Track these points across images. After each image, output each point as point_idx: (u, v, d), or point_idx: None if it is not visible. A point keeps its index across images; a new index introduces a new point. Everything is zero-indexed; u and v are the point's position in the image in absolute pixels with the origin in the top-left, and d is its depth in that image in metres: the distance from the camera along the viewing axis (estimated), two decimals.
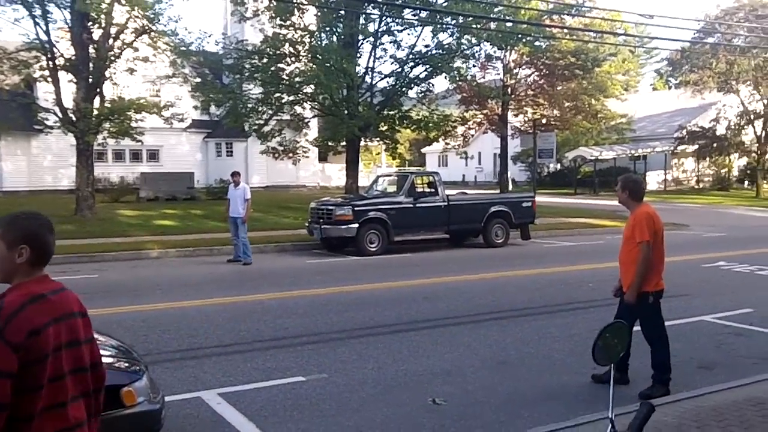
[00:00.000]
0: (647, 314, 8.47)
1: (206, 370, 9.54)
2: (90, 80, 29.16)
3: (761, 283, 16.63)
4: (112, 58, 29.43)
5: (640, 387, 8.35)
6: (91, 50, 29.20)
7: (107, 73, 29.68)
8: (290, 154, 38.69)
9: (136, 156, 50.90)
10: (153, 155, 51.50)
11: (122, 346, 6.74)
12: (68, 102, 29.80)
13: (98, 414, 3.40)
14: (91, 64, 29.24)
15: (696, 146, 56.99)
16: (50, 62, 29.21)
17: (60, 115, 29.39)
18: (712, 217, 36.57)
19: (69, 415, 3.14)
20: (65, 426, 3.15)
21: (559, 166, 65.12)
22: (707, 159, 60.88)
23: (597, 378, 8.55)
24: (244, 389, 8.67)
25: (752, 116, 53.49)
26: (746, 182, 60.80)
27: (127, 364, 6.24)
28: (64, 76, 29.78)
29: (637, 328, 8.41)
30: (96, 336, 6.60)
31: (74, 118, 29.21)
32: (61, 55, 29.54)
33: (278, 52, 32.95)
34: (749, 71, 51.61)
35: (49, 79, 29.48)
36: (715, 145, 55.12)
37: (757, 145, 54.29)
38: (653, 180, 60.78)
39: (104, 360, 6.01)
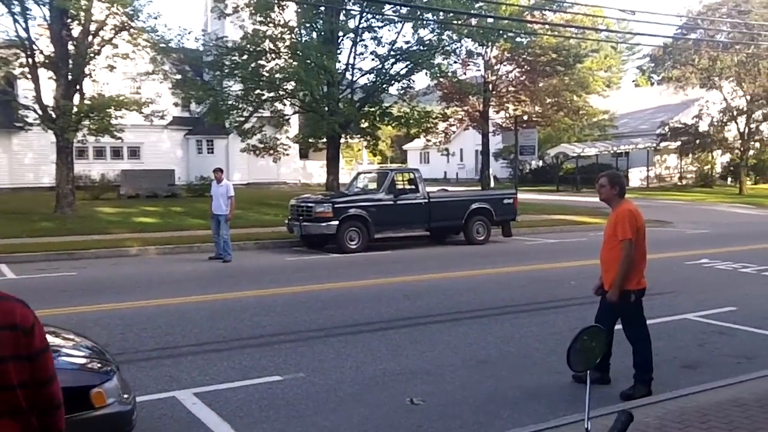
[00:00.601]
0: (629, 313, 8.38)
1: (182, 369, 9.40)
2: (69, 77, 29.01)
3: (744, 280, 16.59)
4: (92, 54, 29.31)
5: (621, 386, 8.26)
6: (70, 47, 29.11)
7: (87, 70, 29.53)
8: (271, 151, 38.60)
9: (116, 153, 50.68)
10: (134, 152, 51.26)
11: (95, 346, 6.61)
12: (48, 99, 29.69)
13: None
14: (70, 61, 29.12)
15: (678, 143, 57.15)
16: (29, 59, 29.09)
17: (40, 112, 29.23)
18: (695, 214, 36.66)
19: None
20: None
21: (541, 162, 65.07)
22: (690, 156, 61.15)
23: (578, 378, 8.42)
24: (219, 389, 8.53)
25: (735, 112, 53.57)
26: (729, 179, 60.99)
27: (99, 365, 6.10)
28: (43, 73, 29.66)
29: (618, 326, 8.35)
30: (70, 336, 6.50)
31: (54, 115, 29.05)
32: (41, 52, 29.40)
33: (258, 48, 32.89)
34: (732, 67, 51.78)
35: (29, 76, 29.36)
36: (697, 141, 55.25)
37: (740, 141, 54.42)
38: (636, 177, 60.99)
39: (75, 361, 5.94)
